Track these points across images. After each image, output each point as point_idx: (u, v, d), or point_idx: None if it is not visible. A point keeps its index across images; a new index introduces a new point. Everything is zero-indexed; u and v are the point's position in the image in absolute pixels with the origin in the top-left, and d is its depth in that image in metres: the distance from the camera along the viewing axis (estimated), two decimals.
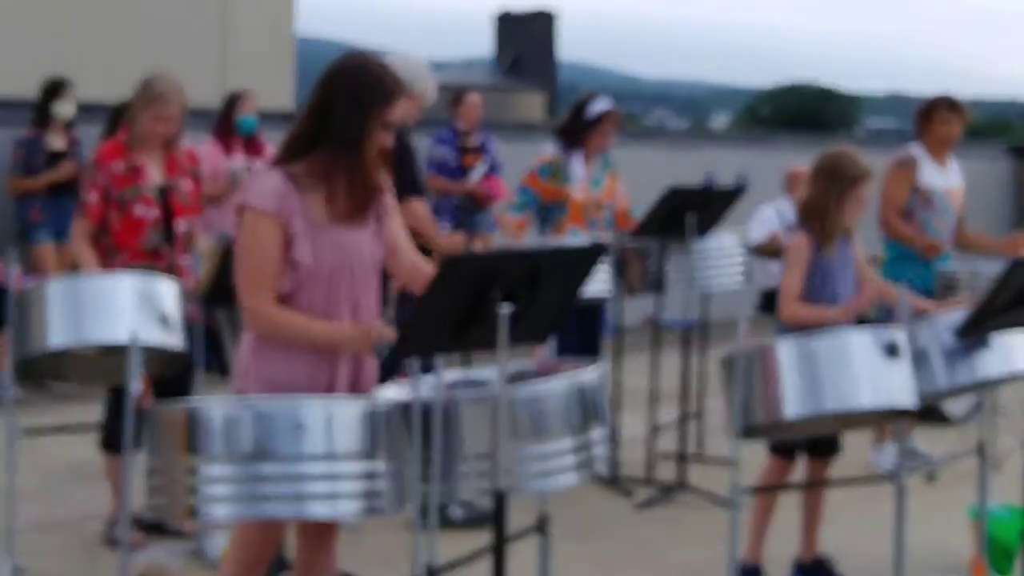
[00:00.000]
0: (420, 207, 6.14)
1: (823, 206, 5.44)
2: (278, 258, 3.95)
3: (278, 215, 3.92)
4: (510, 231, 7.32)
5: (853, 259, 5.64)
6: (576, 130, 7.34)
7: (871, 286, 5.54)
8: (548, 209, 7.30)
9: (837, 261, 5.52)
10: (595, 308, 7.44)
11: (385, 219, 4.19)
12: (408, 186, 6.09)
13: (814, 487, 5.71)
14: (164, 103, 5.89)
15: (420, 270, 4.27)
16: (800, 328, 5.32)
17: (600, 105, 7.36)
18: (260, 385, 3.98)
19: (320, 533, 4.24)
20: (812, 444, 5.66)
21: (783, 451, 5.60)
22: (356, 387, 4.09)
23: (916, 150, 7.62)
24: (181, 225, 5.97)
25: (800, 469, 5.77)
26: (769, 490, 5.62)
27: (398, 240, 4.27)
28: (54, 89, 9.27)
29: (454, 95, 11.23)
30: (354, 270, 4.07)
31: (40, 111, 9.29)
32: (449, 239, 6.43)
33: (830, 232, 5.45)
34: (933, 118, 7.60)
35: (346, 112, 3.95)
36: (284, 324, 3.96)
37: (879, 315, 6.60)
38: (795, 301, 5.45)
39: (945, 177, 7.61)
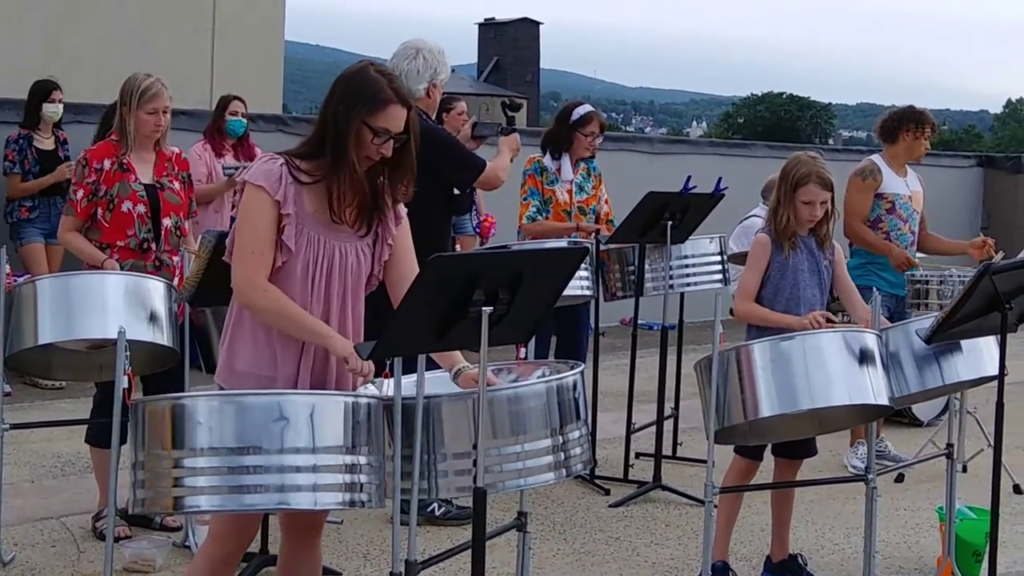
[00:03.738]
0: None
1: (777, 207, 5.59)
2: (271, 234, 3.95)
3: (272, 192, 3.94)
4: (535, 232, 7.43)
5: (827, 268, 5.69)
6: (563, 134, 7.56)
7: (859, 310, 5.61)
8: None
9: (801, 264, 5.59)
10: (576, 310, 7.54)
11: (386, 237, 4.17)
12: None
13: (786, 487, 5.80)
14: (156, 97, 5.98)
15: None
16: (756, 328, 5.48)
17: (582, 109, 7.64)
18: (228, 376, 4.00)
19: (304, 529, 4.24)
20: (782, 446, 5.74)
21: (749, 452, 5.67)
22: (323, 386, 4.07)
23: (877, 159, 7.76)
24: (168, 222, 6.05)
25: (770, 469, 5.86)
26: (741, 490, 5.71)
27: (397, 259, 4.20)
28: (43, 91, 9.33)
29: (441, 102, 11.37)
30: (334, 275, 4.06)
31: (29, 112, 9.35)
32: None
33: (783, 232, 5.57)
34: (910, 131, 7.69)
35: (335, 117, 3.98)
36: (278, 299, 3.93)
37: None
38: (747, 299, 5.58)
39: (905, 182, 7.74)
